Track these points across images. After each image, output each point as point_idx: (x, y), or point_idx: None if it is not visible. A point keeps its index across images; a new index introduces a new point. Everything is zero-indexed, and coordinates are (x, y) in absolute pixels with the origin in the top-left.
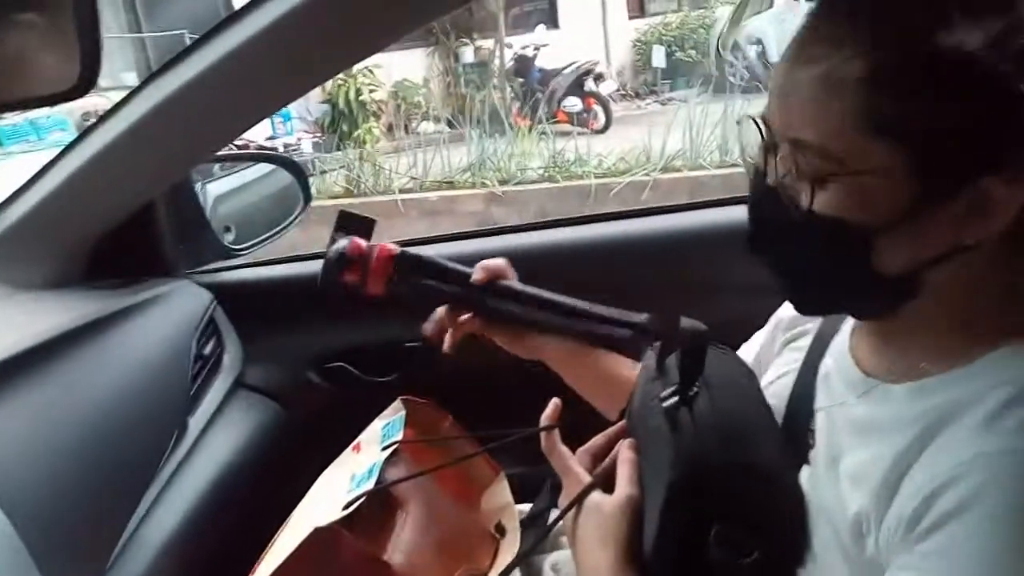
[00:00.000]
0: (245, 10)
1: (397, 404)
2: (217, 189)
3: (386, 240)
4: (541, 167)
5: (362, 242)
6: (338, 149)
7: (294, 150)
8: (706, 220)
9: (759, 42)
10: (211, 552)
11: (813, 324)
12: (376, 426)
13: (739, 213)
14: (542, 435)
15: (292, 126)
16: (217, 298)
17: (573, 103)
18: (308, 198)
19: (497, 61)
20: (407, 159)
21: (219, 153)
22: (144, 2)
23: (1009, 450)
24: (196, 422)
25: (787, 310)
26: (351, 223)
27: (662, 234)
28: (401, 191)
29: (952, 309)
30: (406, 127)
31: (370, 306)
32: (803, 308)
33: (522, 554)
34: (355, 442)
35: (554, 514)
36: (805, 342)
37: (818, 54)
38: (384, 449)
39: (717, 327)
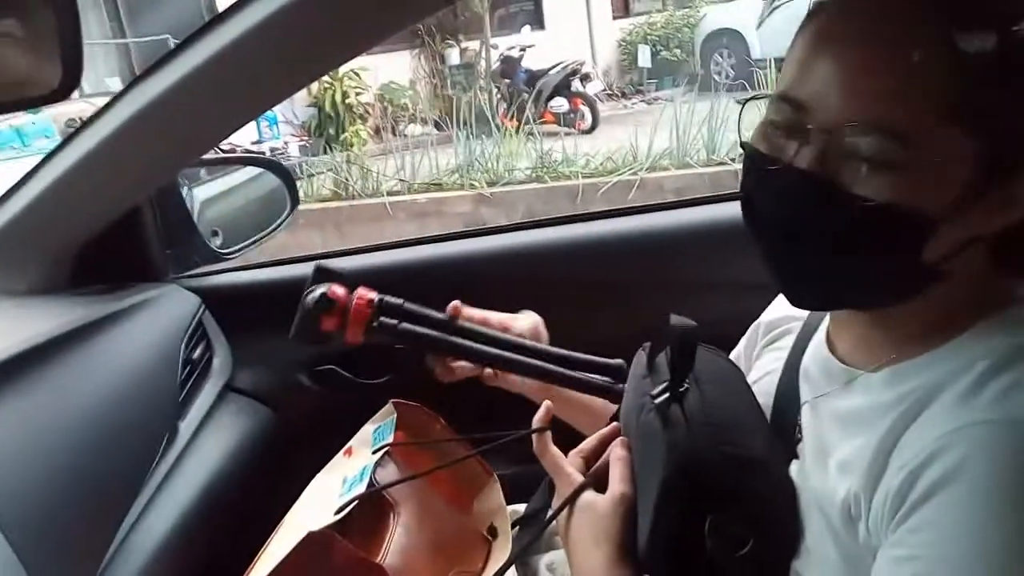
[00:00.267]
0: (228, 13)
1: (388, 408)
2: (204, 193)
3: (378, 240)
4: (529, 168)
5: (340, 289)
6: (325, 152)
7: (281, 154)
8: (693, 218)
9: (732, 34)
10: (202, 558)
11: (795, 323)
12: (367, 430)
13: (726, 210)
14: (534, 437)
15: (278, 130)
16: (205, 302)
17: (560, 103)
18: (295, 201)
19: (483, 62)
20: (395, 161)
21: (205, 157)
22: (127, 8)
23: (989, 420)
24: (186, 427)
25: (767, 315)
26: (329, 277)
27: (650, 232)
28: (389, 193)
29: (942, 296)
30: (393, 129)
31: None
32: (808, 302)
33: (516, 554)
34: (347, 446)
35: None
36: (786, 342)
37: (898, 36)
38: (375, 452)
39: (707, 324)
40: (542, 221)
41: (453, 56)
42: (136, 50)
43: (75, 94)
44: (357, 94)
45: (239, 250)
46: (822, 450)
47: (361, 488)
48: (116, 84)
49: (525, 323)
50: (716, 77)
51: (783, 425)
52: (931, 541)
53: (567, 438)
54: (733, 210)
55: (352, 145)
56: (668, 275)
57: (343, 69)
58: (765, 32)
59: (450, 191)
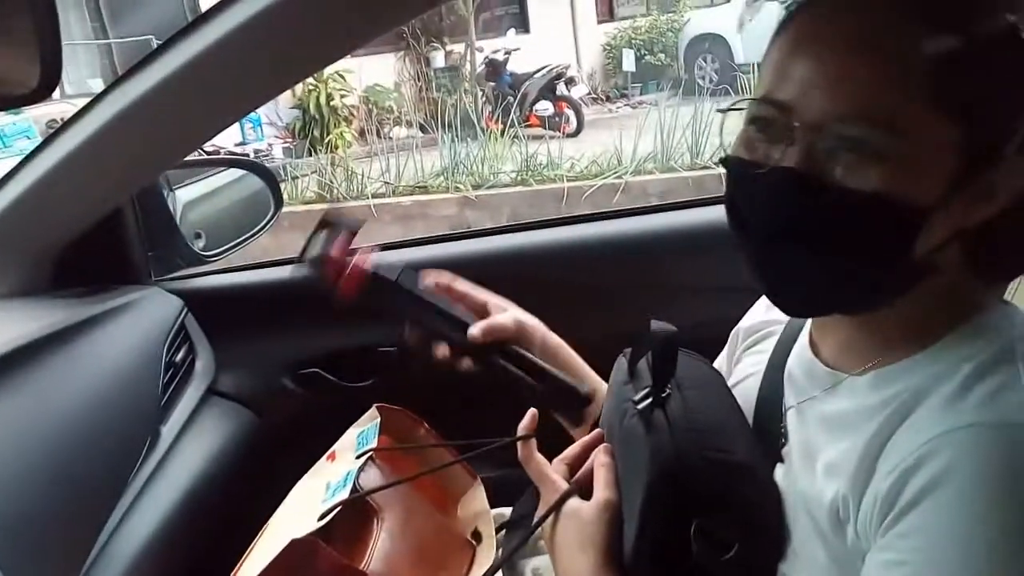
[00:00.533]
0: (211, 13)
1: (372, 412)
2: (187, 195)
3: (368, 242)
4: (514, 171)
5: (340, 247)
6: (309, 154)
7: (265, 156)
8: (678, 222)
9: (716, 39)
10: (184, 563)
11: (775, 326)
12: (351, 434)
13: (710, 214)
14: (519, 444)
15: (262, 131)
16: (188, 305)
17: (545, 107)
18: (279, 203)
19: (468, 65)
20: (379, 164)
21: (188, 159)
22: (109, 8)
23: (975, 424)
24: (168, 431)
25: (746, 321)
26: (340, 222)
27: (634, 236)
28: (374, 196)
29: (920, 297)
30: (378, 132)
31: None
32: (796, 307)
33: (502, 560)
34: (330, 450)
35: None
36: (766, 345)
37: (876, 30)
38: (359, 457)
39: (691, 328)
40: (526, 224)
41: (438, 59)
42: (118, 50)
43: (57, 94)
44: (342, 96)
45: (222, 252)
46: (809, 453)
47: (344, 494)
48: (98, 85)
49: (506, 319)
50: (700, 81)
51: (767, 429)
52: (920, 546)
53: (551, 445)
54: (717, 214)
55: (336, 147)
56: (652, 278)
57: (328, 71)
58: (748, 37)
59: (435, 194)
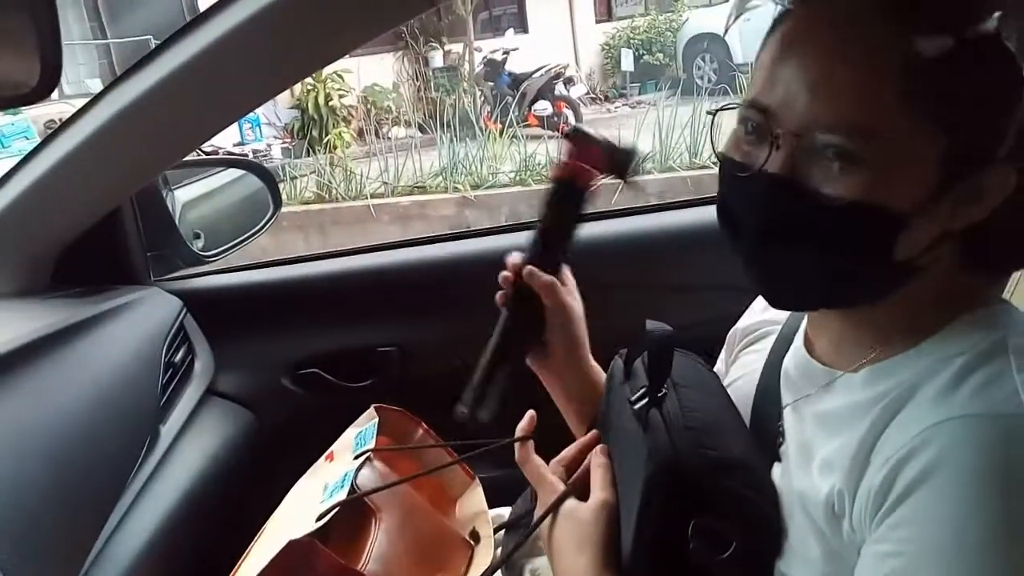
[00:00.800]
0: (210, 13)
1: (370, 412)
2: (186, 195)
3: (361, 243)
4: (512, 171)
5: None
6: (308, 154)
7: (263, 156)
8: (676, 221)
9: (714, 38)
10: (184, 562)
11: (772, 326)
12: (349, 435)
13: (708, 213)
14: (516, 446)
15: (261, 132)
16: (187, 305)
17: (543, 107)
18: (278, 204)
19: (467, 65)
20: (378, 164)
21: (187, 159)
22: (108, 9)
23: (966, 415)
24: (167, 431)
25: (743, 321)
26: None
27: (632, 235)
28: (372, 196)
29: (914, 293)
30: (377, 132)
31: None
32: (787, 303)
33: (500, 561)
34: (328, 451)
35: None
36: (763, 344)
37: (859, 36)
38: (357, 457)
39: (689, 326)
40: (525, 224)
41: (437, 59)
42: (117, 50)
43: (55, 95)
44: (340, 96)
45: (221, 253)
46: (806, 452)
47: (342, 494)
48: (97, 85)
49: (552, 283)
50: (698, 81)
51: (765, 428)
52: (913, 536)
53: (549, 446)
54: (715, 213)
55: (335, 147)
56: (650, 278)
57: (326, 71)
58: (747, 36)
59: (434, 194)
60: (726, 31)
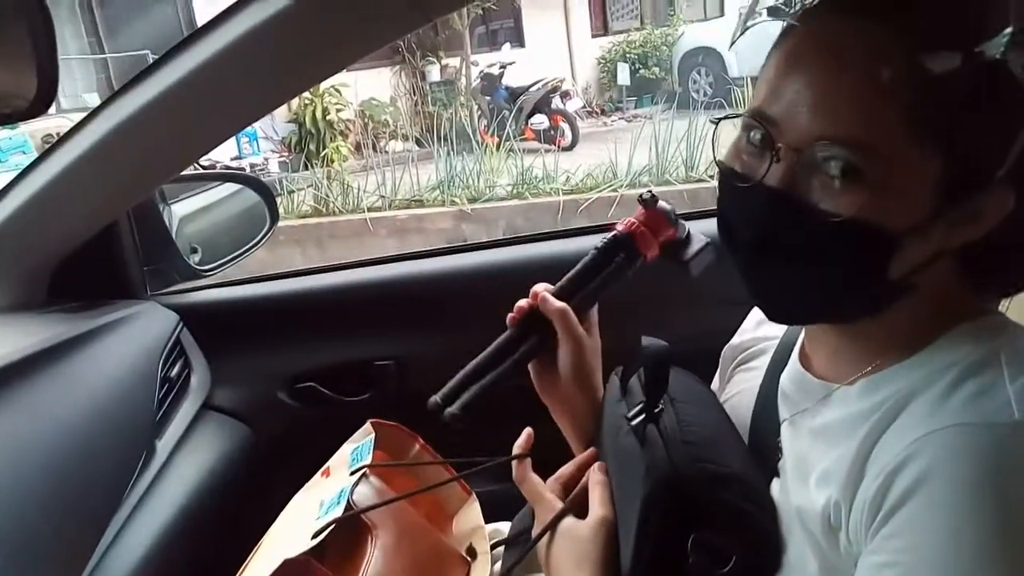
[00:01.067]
0: (207, 28)
1: (367, 427)
2: (183, 209)
3: (359, 256)
4: (509, 184)
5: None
6: (305, 168)
7: (261, 170)
8: None
9: (710, 52)
10: None
11: (767, 343)
12: (345, 450)
13: (704, 226)
14: (513, 463)
15: (258, 146)
16: (183, 320)
17: (540, 121)
18: (275, 218)
19: (464, 79)
20: (375, 178)
21: (184, 173)
22: (105, 23)
23: (958, 424)
24: (164, 446)
25: (736, 339)
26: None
27: None
28: (370, 210)
29: (911, 308)
30: (374, 146)
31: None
32: (782, 317)
33: (502, 575)
34: (325, 466)
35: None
36: (760, 362)
37: (865, 55)
38: (353, 473)
39: (685, 340)
40: (521, 238)
41: (433, 73)
42: (114, 65)
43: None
44: (337, 110)
45: (218, 267)
46: (803, 466)
47: (338, 511)
48: (94, 99)
49: (564, 310)
50: (694, 95)
51: (763, 444)
52: (908, 546)
53: (546, 463)
54: (710, 226)
55: (332, 161)
56: (646, 290)
57: (323, 85)
58: (742, 50)
59: (431, 207)
60: (731, 45)
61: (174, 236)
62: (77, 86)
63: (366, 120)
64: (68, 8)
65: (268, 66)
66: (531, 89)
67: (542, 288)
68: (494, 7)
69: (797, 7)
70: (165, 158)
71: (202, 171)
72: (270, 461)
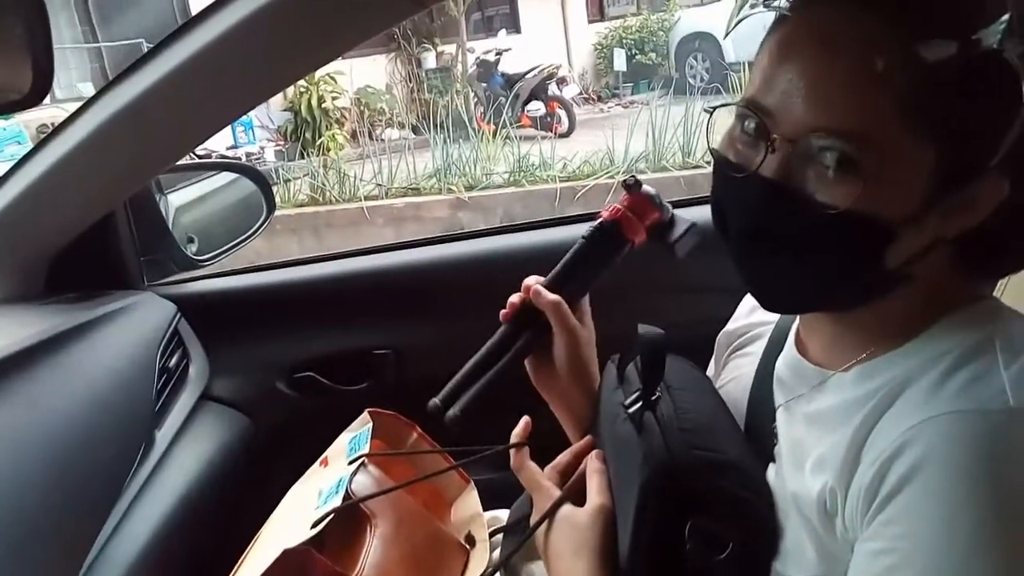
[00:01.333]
0: (202, 16)
1: (364, 417)
2: (179, 199)
3: (355, 245)
4: (506, 172)
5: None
6: (301, 157)
7: (257, 159)
8: None
9: (706, 38)
10: (180, 568)
11: (762, 328)
12: (343, 440)
13: (701, 213)
14: (511, 452)
15: (254, 134)
16: (181, 310)
17: (537, 107)
18: (272, 207)
19: (460, 66)
20: (372, 166)
21: (180, 162)
22: (99, 12)
23: (953, 411)
24: (163, 436)
25: (730, 325)
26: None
27: None
28: (366, 198)
29: (906, 296)
30: (370, 134)
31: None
32: (777, 306)
33: (496, 565)
34: (322, 456)
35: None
36: (755, 347)
37: (860, 44)
38: (351, 463)
39: (680, 327)
40: (518, 225)
41: (429, 60)
42: (109, 54)
43: (47, 99)
44: (333, 98)
45: (215, 256)
46: (798, 452)
47: (337, 501)
48: (89, 89)
49: (557, 302)
50: (691, 80)
51: (759, 430)
52: (904, 533)
53: (543, 451)
54: (707, 213)
55: (329, 150)
56: (642, 279)
57: (319, 73)
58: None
59: (428, 195)
60: (727, 34)
61: (171, 226)
62: (72, 75)
63: (362, 108)
64: None
65: (263, 54)
66: (527, 76)
67: (533, 281)
68: None
69: None
70: (161, 147)
71: (198, 160)
72: (269, 451)
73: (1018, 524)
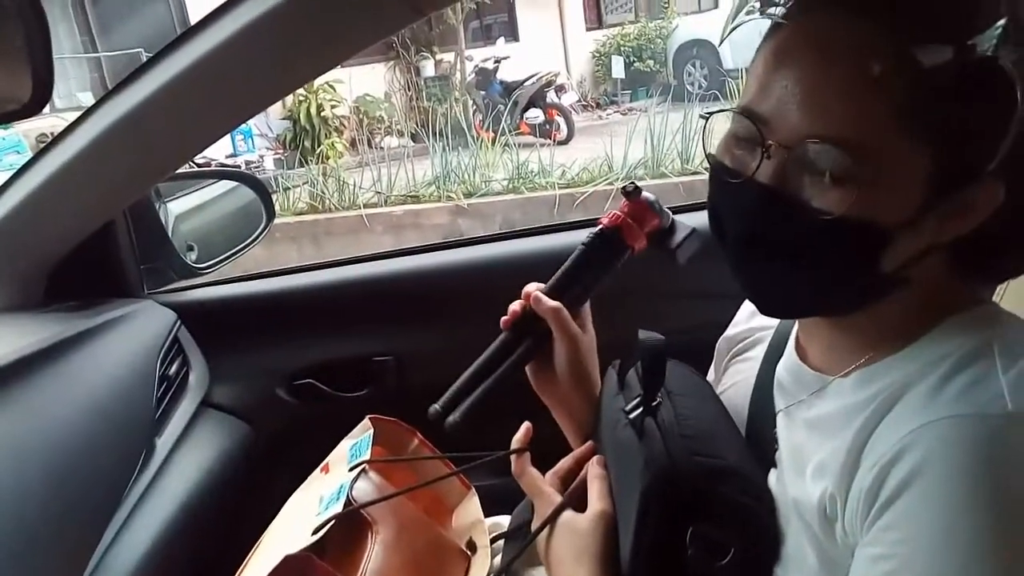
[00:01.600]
0: (200, 26)
1: (365, 423)
2: (178, 207)
3: (355, 252)
4: (505, 179)
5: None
6: (301, 165)
7: (256, 167)
8: None
9: (704, 45)
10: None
11: (762, 333)
12: (344, 446)
13: (699, 219)
14: (512, 458)
15: (253, 143)
16: (181, 318)
17: (535, 115)
18: (271, 215)
19: (458, 74)
20: (371, 174)
21: (179, 171)
22: (99, 21)
23: (952, 416)
24: (163, 443)
25: (730, 330)
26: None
27: None
28: (366, 206)
29: (904, 300)
30: (369, 142)
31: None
32: (775, 311)
33: (499, 570)
34: (324, 462)
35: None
36: (755, 352)
37: (854, 51)
38: (352, 469)
39: (679, 332)
40: (518, 232)
41: (428, 68)
42: (108, 64)
43: (47, 109)
44: (332, 107)
45: (214, 265)
46: (799, 457)
47: (338, 507)
48: (88, 98)
49: (558, 310)
50: (689, 87)
51: (760, 435)
52: (903, 538)
53: (544, 458)
54: (704, 220)
55: (328, 158)
56: (642, 284)
57: (318, 82)
58: (736, 43)
59: (427, 203)
60: (721, 41)
61: (170, 234)
62: (71, 85)
63: (361, 116)
64: (60, 7)
65: (262, 63)
66: (526, 83)
67: (534, 288)
68: (488, 1)
69: (785, 2)
70: (160, 156)
71: (197, 169)
72: (270, 458)
73: (1017, 528)
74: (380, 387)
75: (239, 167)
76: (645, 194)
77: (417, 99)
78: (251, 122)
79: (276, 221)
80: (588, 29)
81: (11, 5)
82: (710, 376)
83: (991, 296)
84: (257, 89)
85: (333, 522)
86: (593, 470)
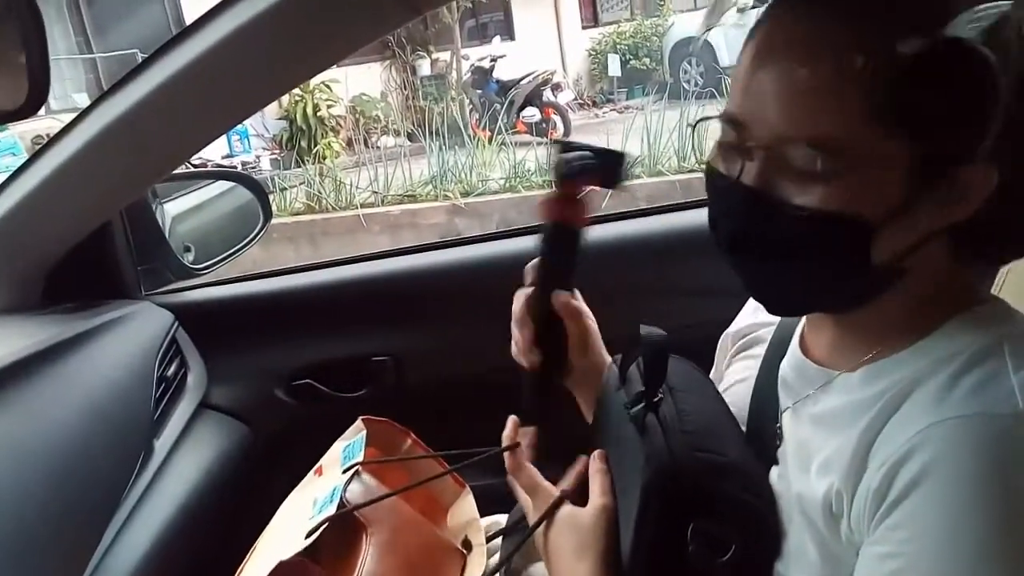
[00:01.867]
0: (196, 26)
1: (358, 424)
2: (175, 208)
3: (352, 252)
4: (502, 178)
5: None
6: (297, 165)
7: (252, 167)
8: (665, 224)
9: (703, 44)
10: None
11: (765, 330)
12: (337, 448)
13: (697, 217)
14: (506, 455)
15: (250, 143)
16: (178, 319)
17: (532, 113)
18: (268, 215)
19: (454, 73)
20: (368, 173)
21: (176, 172)
22: (94, 22)
23: (961, 416)
24: (161, 445)
25: (734, 326)
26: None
27: (622, 239)
28: (363, 206)
29: (908, 293)
30: (366, 141)
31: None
32: (777, 309)
33: (496, 567)
34: (317, 465)
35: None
36: (758, 350)
37: (823, 49)
38: (345, 471)
39: (678, 330)
40: (515, 231)
41: (424, 67)
42: (103, 65)
43: (42, 110)
44: (328, 106)
45: (212, 265)
46: (804, 454)
47: (331, 509)
48: (83, 99)
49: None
50: (685, 85)
51: (762, 431)
52: (911, 538)
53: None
54: (703, 217)
55: (324, 158)
56: (640, 282)
57: (313, 81)
58: (732, 40)
59: (424, 202)
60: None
61: (167, 235)
62: (67, 86)
63: (357, 116)
64: (56, 8)
65: (258, 63)
66: (522, 82)
67: (524, 293)
68: (483, 0)
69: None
70: (156, 157)
71: (194, 170)
72: (268, 459)
73: None
74: (378, 387)
75: (236, 167)
76: (571, 150)
77: (413, 98)
78: (247, 122)
79: (273, 221)
80: (584, 27)
81: (6, 6)
82: (713, 372)
83: (991, 286)
84: (253, 89)
85: (326, 525)
86: (594, 465)
